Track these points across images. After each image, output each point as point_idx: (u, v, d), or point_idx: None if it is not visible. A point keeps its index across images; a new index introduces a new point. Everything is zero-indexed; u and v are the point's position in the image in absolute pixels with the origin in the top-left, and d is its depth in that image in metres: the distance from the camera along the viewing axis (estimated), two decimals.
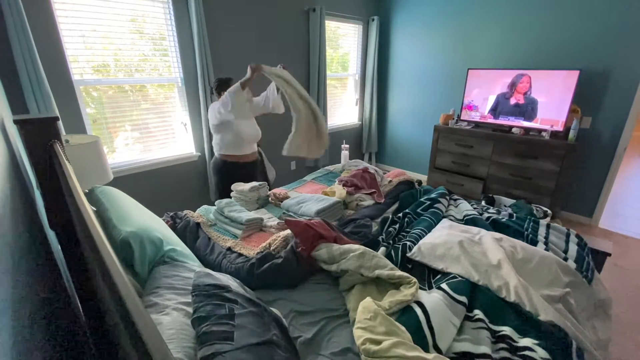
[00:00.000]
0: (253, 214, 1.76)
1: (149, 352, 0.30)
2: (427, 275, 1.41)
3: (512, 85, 3.09)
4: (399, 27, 4.15)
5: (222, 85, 2.25)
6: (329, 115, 4.21)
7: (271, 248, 1.47)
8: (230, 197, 2.06)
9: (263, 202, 2.08)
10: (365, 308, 1.07)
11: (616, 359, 1.70)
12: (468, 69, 3.34)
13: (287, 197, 2.05)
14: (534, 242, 1.57)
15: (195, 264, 1.31)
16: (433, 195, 1.99)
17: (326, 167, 2.91)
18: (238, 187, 2.06)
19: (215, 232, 1.71)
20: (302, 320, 1.16)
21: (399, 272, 1.25)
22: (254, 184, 2.08)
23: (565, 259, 1.47)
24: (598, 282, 1.46)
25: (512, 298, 1.20)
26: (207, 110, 2.30)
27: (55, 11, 2.07)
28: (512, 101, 3.12)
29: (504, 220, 1.79)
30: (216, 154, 2.35)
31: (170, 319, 0.91)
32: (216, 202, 1.86)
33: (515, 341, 1.05)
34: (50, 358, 0.68)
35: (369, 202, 2.02)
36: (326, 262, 1.36)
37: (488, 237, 1.49)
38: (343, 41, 4.22)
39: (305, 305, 1.23)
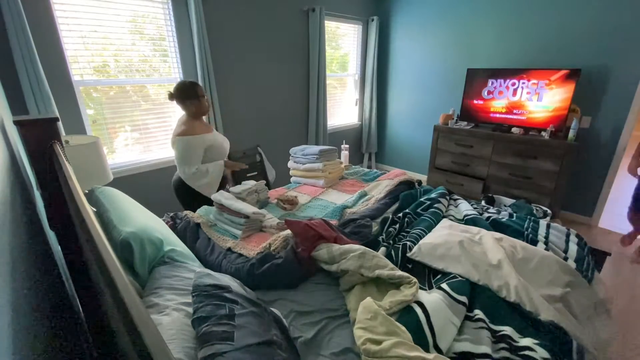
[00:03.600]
0: (255, 208, 1.75)
1: (150, 352, 0.30)
2: (428, 275, 1.41)
3: (512, 85, 3.09)
4: (399, 27, 4.15)
5: (187, 92, 1.97)
6: (329, 115, 4.21)
7: (271, 248, 1.47)
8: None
9: (263, 204, 2.08)
10: (365, 308, 1.07)
11: (616, 359, 1.70)
12: (468, 69, 3.35)
13: (296, 202, 2.05)
14: (534, 242, 1.57)
15: (195, 265, 1.31)
16: (433, 195, 1.99)
17: None
18: (236, 189, 2.01)
19: (215, 232, 1.71)
20: (303, 320, 1.16)
21: (399, 272, 1.25)
22: (250, 185, 2.04)
23: (566, 259, 1.47)
24: (598, 281, 1.46)
25: (512, 298, 1.20)
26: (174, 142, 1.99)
27: (55, 12, 2.08)
28: (512, 101, 3.13)
29: (504, 220, 1.79)
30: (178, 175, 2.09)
31: (170, 320, 0.91)
32: (213, 196, 1.83)
33: (515, 341, 1.05)
34: (50, 359, 0.68)
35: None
36: (326, 262, 1.36)
37: (488, 237, 1.49)
38: (343, 41, 4.22)
39: (306, 306, 1.23)
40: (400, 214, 1.81)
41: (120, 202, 1.35)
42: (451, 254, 1.40)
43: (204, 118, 2.17)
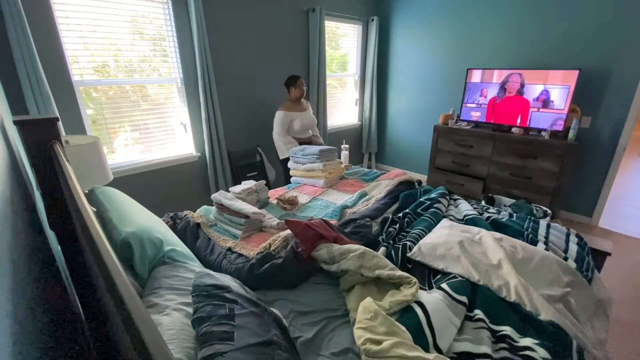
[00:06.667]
0: (255, 208, 1.75)
1: (150, 352, 0.30)
2: (428, 275, 1.41)
3: (512, 85, 3.09)
4: (399, 27, 4.15)
5: (288, 80, 2.96)
6: (329, 115, 4.20)
7: (271, 248, 1.47)
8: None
9: (263, 204, 2.08)
10: (365, 308, 1.07)
11: (616, 359, 1.70)
12: (468, 69, 3.34)
13: (296, 202, 2.05)
14: (534, 242, 1.57)
15: (195, 265, 1.31)
16: (433, 195, 1.99)
17: None
18: (236, 189, 2.03)
19: (215, 232, 1.71)
20: (303, 320, 1.16)
21: (399, 272, 1.25)
22: (250, 185, 2.05)
23: (566, 259, 1.47)
24: (598, 281, 1.46)
25: (512, 298, 1.20)
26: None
27: (54, 12, 2.07)
28: (512, 100, 3.13)
29: (504, 220, 1.79)
30: None
31: (170, 320, 0.91)
32: (213, 196, 1.84)
33: (515, 341, 1.05)
34: (50, 358, 0.68)
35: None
36: (326, 262, 1.36)
37: (488, 237, 1.49)
38: (343, 41, 4.22)
39: (306, 306, 1.23)
40: (400, 214, 1.81)
41: (120, 202, 1.35)
42: (451, 254, 1.40)
43: (303, 100, 3.08)
